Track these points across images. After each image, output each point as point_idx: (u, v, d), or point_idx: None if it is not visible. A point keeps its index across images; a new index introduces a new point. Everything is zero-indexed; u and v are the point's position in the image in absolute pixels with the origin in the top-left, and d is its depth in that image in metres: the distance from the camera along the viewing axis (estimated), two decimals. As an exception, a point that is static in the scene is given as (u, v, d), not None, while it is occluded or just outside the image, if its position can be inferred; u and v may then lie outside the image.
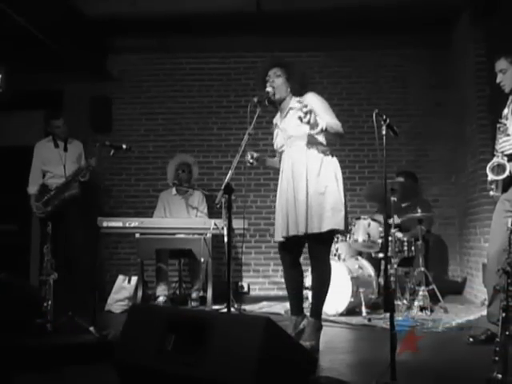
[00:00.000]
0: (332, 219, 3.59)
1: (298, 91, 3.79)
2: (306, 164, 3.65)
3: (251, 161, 3.80)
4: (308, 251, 3.75)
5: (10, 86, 5.73)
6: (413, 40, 6.88)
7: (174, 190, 6.27)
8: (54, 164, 5.44)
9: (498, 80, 3.79)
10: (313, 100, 3.70)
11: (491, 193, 3.77)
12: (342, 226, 3.64)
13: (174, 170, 6.25)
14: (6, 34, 5.69)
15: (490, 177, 3.68)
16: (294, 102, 3.76)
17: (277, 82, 3.77)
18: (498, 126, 3.72)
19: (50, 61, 6.37)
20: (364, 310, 5.05)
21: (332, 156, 3.74)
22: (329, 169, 3.68)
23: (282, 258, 3.88)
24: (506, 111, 3.75)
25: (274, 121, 3.96)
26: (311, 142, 3.68)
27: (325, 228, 3.59)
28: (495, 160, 3.64)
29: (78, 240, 5.38)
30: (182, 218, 6.07)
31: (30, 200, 5.48)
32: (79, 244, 5.37)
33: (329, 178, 3.65)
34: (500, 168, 3.61)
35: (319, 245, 3.69)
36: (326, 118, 3.62)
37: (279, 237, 3.76)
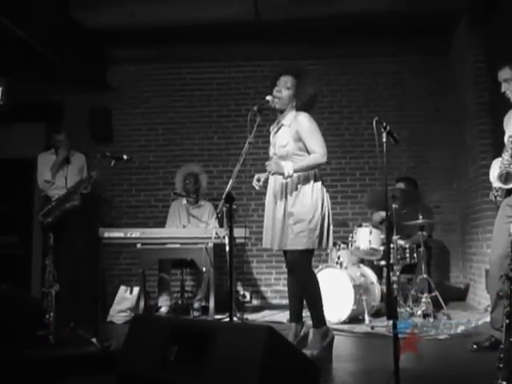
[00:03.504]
0: (307, 239, 3.60)
1: (301, 109, 3.77)
2: (285, 184, 3.67)
3: (258, 188, 3.83)
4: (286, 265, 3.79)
5: (11, 98, 5.75)
6: (411, 46, 6.89)
7: (184, 200, 6.25)
8: (57, 176, 5.45)
9: (502, 89, 3.77)
10: (301, 123, 3.69)
11: (492, 198, 3.78)
12: (316, 245, 3.65)
13: (182, 180, 6.24)
14: (6, 46, 5.71)
15: (497, 184, 3.68)
16: (288, 118, 3.75)
17: (283, 94, 3.74)
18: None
19: (50, 73, 6.39)
20: (367, 317, 5.03)
21: (314, 175, 3.71)
22: (308, 188, 3.66)
23: (286, 266, 3.90)
24: None
25: (271, 129, 3.96)
26: (293, 161, 3.67)
27: (298, 246, 3.61)
28: (504, 169, 3.65)
29: (79, 251, 5.38)
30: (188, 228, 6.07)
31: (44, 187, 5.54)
32: (80, 255, 5.37)
33: (307, 197, 3.65)
34: (509, 176, 3.62)
35: (293, 261, 3.69)
36: (309, 144, 3.65)
37: (264, 244, 3.82)
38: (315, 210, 3.64)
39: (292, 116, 3.74)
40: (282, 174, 3.61)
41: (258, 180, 3.83)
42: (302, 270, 3.72)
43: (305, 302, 3.82)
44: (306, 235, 3.60)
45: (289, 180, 3.65)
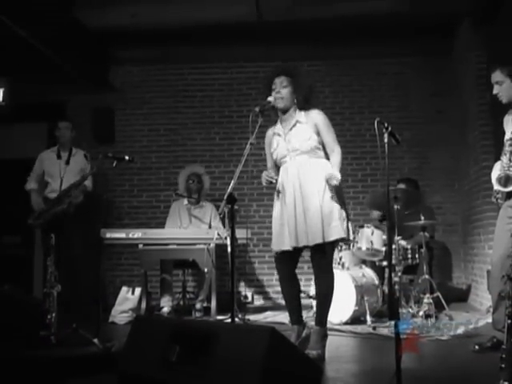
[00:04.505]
0: (340, 228, 3.66)
1: (302, 104, 3.82)
2: (313, 175, 3.70)
3: (273, 181, 3.79)
4: (311, 261, 3.75)
5: (13, 98, 5.75)
6: (413, 47, 6.89)
7: (185, 201, 6.25)
8: (54, 177, 5.40)
9: (494, 91, 3.81)
10: (317, 118, 3.78)
11: (493, 200, 3.78)
12: (346, 235, 3.73)
13: (185, 180, 6.24)
14: (9, 46, 5.72)
15: (497, 187, 3.68)
16: (300, 116, 3.80)
17: (283, 93, 3.78)
18: (510, 142, 3.71)
19: (53, 73, 6.40)
20: (369, 318, 5.02)
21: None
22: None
23: (280, 271, 3.87)
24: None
25: (274, 131, 3.93)
26: (315, 155, 3.76)
27: (333, 237, 3.65)
28: (503, 172, 3.65)
29: (80, 251, 5.35)
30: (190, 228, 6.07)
31: (31, 198, 5.49)
32: (82, 255, 5.34)
33: (333, 189, 3.68)
34: (508, 179, 3.62)
35: (324, 254, 3.70)
36: (326, 138, 3.75)
37: (284, 247, 3.75)
38: (343, 203, 3.73)
39: (302, 114, 3.80)
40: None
41: (269, 176, 3.78)
42: (328, 264, 3.76)
43: (316, 300, 3.83)
44: (338, 225, 3.65)
45: (318, 176, 3.68)
